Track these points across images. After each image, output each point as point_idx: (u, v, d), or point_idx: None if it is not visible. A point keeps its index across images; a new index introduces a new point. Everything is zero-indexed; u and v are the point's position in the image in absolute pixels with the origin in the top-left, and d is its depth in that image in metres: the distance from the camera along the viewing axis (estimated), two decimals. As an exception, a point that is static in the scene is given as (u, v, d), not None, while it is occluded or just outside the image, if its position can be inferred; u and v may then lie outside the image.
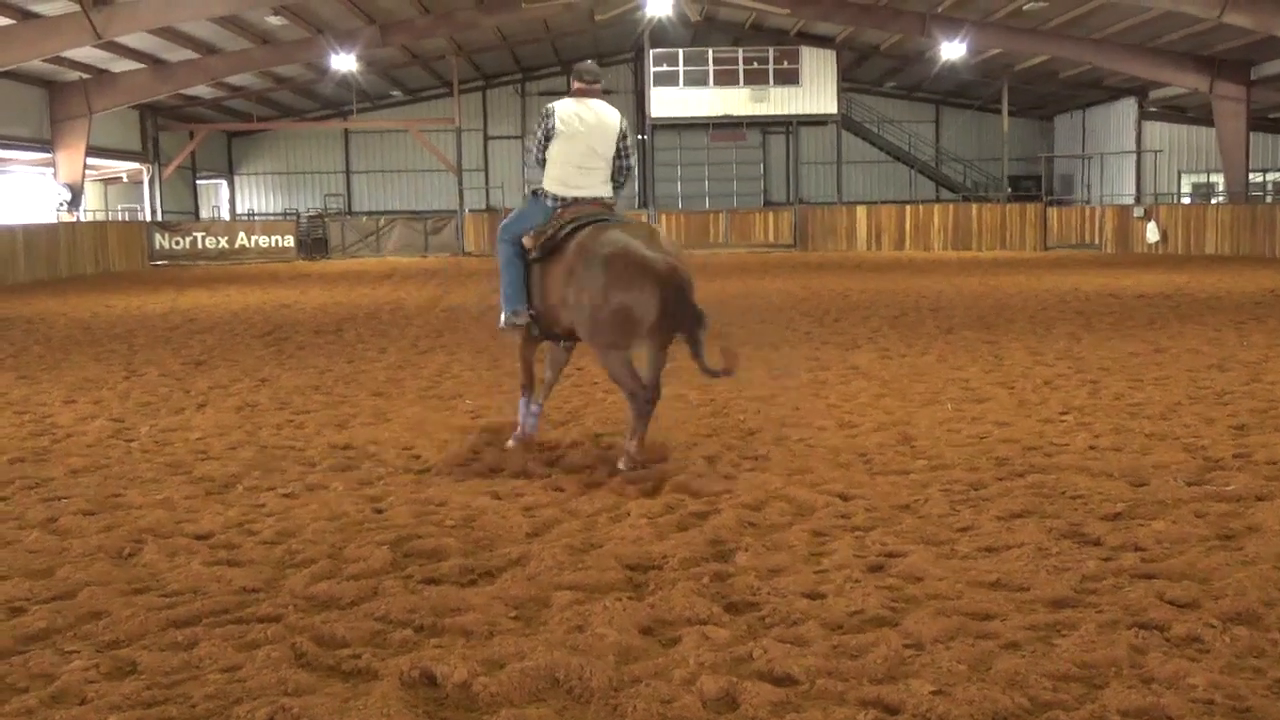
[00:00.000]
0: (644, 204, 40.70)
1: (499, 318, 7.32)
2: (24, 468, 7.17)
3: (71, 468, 7.13)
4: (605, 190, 7.25)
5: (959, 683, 3.68)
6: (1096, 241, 35.74)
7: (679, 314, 6.56)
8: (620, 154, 7.24)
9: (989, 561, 4.96)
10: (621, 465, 6.68)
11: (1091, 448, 7.20)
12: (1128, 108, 40.31)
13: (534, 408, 7.57)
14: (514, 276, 7.13)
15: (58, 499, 6.33)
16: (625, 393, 6.85)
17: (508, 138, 47.70)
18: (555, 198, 7.10)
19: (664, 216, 39.28)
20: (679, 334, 6.68)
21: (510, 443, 7.45)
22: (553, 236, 6.97)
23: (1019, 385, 9.68)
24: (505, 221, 7.29)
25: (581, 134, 7.09)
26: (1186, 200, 39.57)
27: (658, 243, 6.72)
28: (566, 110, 7.13)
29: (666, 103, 39.76)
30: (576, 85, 7.28)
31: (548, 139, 7.11)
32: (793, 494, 6.13)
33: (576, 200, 7.09)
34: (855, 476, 6.55)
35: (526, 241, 7.11)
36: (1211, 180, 39.75)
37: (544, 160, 7.15)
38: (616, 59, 45.24)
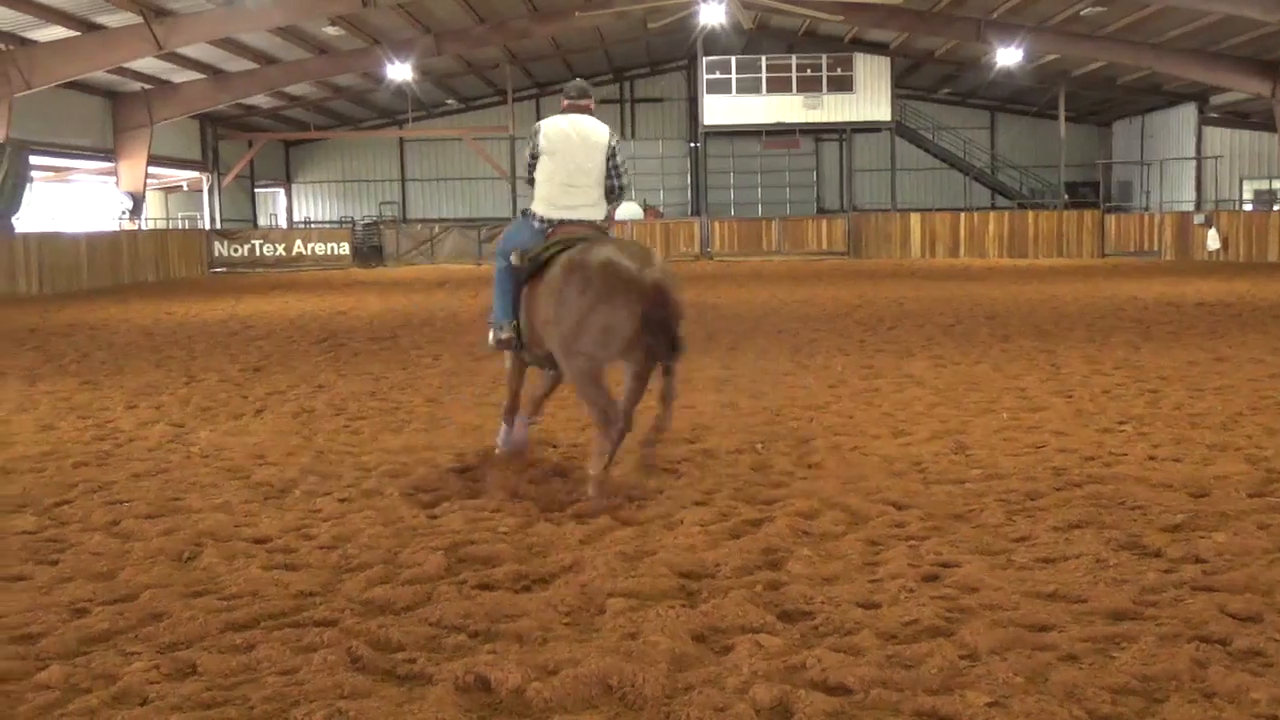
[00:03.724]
0: (696, 211, 40.67)
1: (487, 338, 7.16)
2: (87, 471, 7.30)
3: (133, 472, 7.25)
4: (596, 212, 6.95)
5: (1015, 694, 3.64)
6: (1155, 249, 35.24)
7: (658, 334, 6.20)
8: (611, 173, 6.95)
9: (1046, 572, 4.90)
10: (591, 492, 6.26)
11: (1151, 458, 7.10)
12: (1188, 113, 39.72)
13: (526, 420, 7.40)
14: (503, 294, 6.90)
15: (120, 502, 6.44)
16: (596, 416, 6.39)
17: (561, 146, 47.84)
18: (542, 219, 6.86)
19: (716, 224, 39.27)
20: (656, 360, 6.32)
21: (499, 449, 7.36)
22: (537, 256, 6.69)
23: (1076, 394, 9.57)
24: (500, 241, 7.07)
25: (566, 152, 6.85)
26: (1248, 207, 38.89)
27: (648, 260, 6.34)
28: (554, 128, 6.92)
29: (720, 110, 39.74)
30: (564, 103, 7.13)
31: (535, 158, 6.91)
32: (847, 502, 6.10)
33: (564, 222, 6.83)
34: (910, 485, 6.51)
35: (514, 260, 6.80)
36: (1274, 186, 39.04)
37: (533, 180, 6.97)
38: (670, 67, 45.15)
